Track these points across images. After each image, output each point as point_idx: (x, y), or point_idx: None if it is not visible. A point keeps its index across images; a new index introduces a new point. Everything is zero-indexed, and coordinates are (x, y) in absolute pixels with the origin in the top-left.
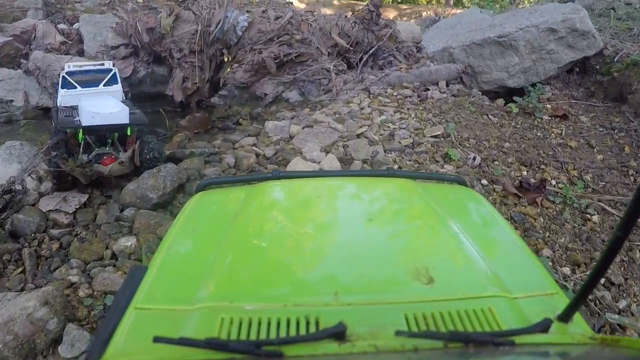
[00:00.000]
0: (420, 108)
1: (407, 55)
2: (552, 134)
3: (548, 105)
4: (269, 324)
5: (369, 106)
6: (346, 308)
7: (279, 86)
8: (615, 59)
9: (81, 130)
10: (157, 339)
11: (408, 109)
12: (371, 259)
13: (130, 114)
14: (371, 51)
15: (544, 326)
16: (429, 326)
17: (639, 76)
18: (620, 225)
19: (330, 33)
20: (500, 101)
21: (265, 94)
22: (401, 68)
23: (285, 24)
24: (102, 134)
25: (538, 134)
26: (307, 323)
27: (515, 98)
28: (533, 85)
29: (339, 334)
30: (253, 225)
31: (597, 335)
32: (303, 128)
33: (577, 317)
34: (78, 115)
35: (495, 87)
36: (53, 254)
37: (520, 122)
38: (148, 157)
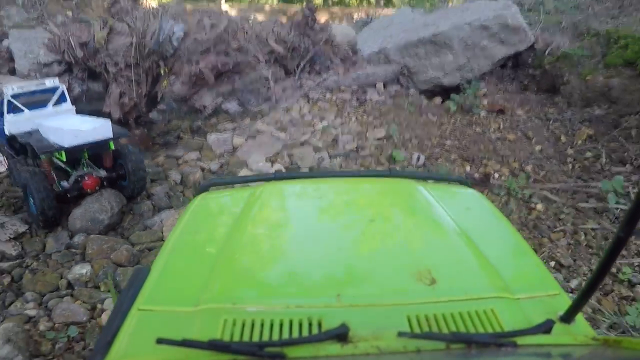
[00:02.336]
0: (360, 111)
1: (344, 58)
2: (491, 129)
3: (485, 101)
4: (271, 325)
5: (309, 112)
6: (349, 309)
7: (218, 97)
8: (547, 52)
9: (63, 152)
10: (160, 341)
11: (348, 112)
12: (373, 260)
13: None
14: (308, 56)
15: (546, 327)
16: (431, 327)
17: (569, 67)
18: (621, 226)
19: (267, 40)
20: (438, 99)
21: (204, 106)
22: (338, 72)
23: (222, 33)
24: (77, 155)
25: (477, 130)
26: (310, 324)
27: (452, 96)
28: (469, 82)
29: (341, 335)
30: (255, 226)
31: (599, 336)
32: (246, 139)
33: (580, 318)
34: (47, 138)
35: (432, 86)
36: (5, 289)
37: (459, 119)
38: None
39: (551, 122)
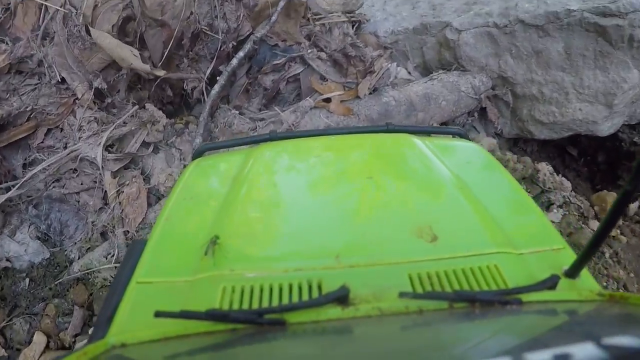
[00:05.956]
0: None
1: (344, 55)
2: None
3: None
4: (270, 290)
5: None
6: (348, 270)
7: None
8: None
9: None
10: (158, 314)
11: None
12: (372, 219)
13: None
14: (233, 63)
15: (551, 283)
16: (433, 286)
17: None
18: (629, 179)
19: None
20: (609, 196)
21: None
22: (328, 103)
23: None
24: None
25: None
26: (310, 288)
27: None
28: None
29: (341, 298)
30: (251, 189)
31: (605, 292)
32: None
33: (585, 273)
34: None
35: (568, 133)
36: None
37: None
38: None
39: None
